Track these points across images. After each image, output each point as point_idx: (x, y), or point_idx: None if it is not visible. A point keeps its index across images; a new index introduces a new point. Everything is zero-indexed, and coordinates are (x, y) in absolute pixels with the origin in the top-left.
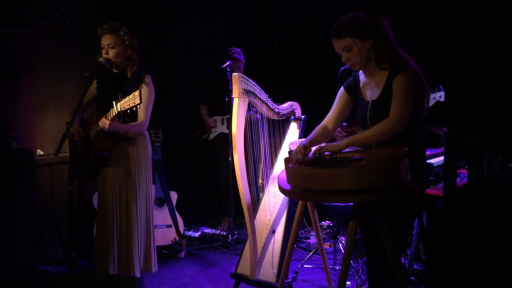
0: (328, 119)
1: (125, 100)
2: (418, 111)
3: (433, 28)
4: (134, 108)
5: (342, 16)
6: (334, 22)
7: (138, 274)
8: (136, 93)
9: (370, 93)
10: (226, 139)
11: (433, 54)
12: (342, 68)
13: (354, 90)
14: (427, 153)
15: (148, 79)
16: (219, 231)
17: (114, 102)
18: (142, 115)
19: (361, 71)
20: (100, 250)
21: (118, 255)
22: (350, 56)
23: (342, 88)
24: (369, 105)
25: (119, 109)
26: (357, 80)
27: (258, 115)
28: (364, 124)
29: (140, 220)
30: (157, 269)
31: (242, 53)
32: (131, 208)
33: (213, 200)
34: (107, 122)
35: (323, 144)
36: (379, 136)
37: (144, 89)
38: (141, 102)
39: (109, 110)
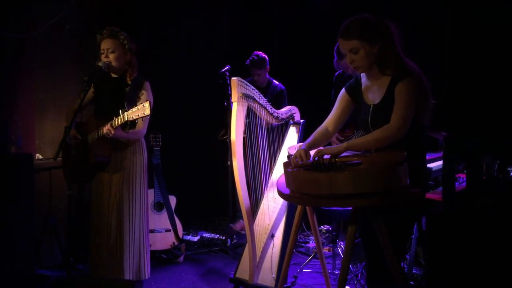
0: (329, 121)
1: (134, 110)
2: (419, 119)
3: (431, 32)
4: (143, 119)
5: (349, 17)
6: (332, 26)
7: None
8: (146, 104)
9: (372, 97)
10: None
11: (431, 57)
12: (337, 73)
13: (355, 92)
14: (426, 157)
15: (147, 85)
16: (234, 228)
17: (121, 111)
18: (141, 123)
19: (363, 73)
20: (95, 254)
21: (109, 260)
22: (355, 58)
23: (343, 90)
24: (371, 108)
25: (126, 119)
26: (359, 82)
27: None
28: (365, 127)
29: (134, 227)
30: (149, 276)
31: (267, 59)
32: (125, 213)
33: (221, 201)
34: (112, 130)
35: (322, 148)
36: (379, 141)
37: (144, 96)
38: (150, 113)
39: (109, 115)
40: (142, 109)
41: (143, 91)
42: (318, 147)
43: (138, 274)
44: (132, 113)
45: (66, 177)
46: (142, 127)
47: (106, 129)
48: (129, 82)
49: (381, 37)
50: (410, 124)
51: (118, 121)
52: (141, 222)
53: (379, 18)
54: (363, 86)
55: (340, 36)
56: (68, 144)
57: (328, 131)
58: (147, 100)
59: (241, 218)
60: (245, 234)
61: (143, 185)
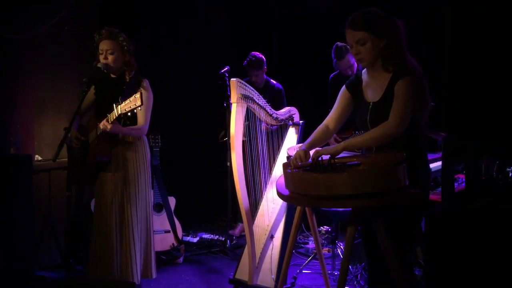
0: (329, 119)
1: (126, 102)
2: (418, 118)
3: (432, 32)
4: (135, 110)
5: (355, 11)
6: (332, 27)
7: (137, 281)
8: (137, 95)
9: (372, 94)
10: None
11: (431, 57)
12: (332, 74)
13: (356, 89)
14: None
15: (146, 83)
16: (233, 234)
17: (114, 105)
18: (142, 119)
19: (364, 70)
20: (96, 255)
21: (116, 261)
22: (361, 50)
23: (344, 87)
24: (370, 106)
25: (119, 112)
26: (359, 79)
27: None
28: (364, 126)
29: (140, 226)
30: (156, 275)
31: (264, 60)
32: (131, 213)
33: (220, 202)
34: (108, 125)
35: (320, 148)
36: (376, 140)
37: (143, 93)
38: (142, 104)
39: (109, 114)
40: (134, 100)
41: (141, 88)
42: (319, 146)
43: (146, 273)
44: (125, 105)
45: (71, 179)
46: (143, 122)
47: (102, 124)
48: (128, 81)
49: (388, 32)
50: (408, 122)
51: (112, 115)
52: (148, 221)
53: (389, 14)
54: (363, 83)
55: (348, 27)
56: (69, 145)
57: (328, 130)
58: (138, 92)
59: (240, 220)
60: (244, 235)
61: (147, 184)
